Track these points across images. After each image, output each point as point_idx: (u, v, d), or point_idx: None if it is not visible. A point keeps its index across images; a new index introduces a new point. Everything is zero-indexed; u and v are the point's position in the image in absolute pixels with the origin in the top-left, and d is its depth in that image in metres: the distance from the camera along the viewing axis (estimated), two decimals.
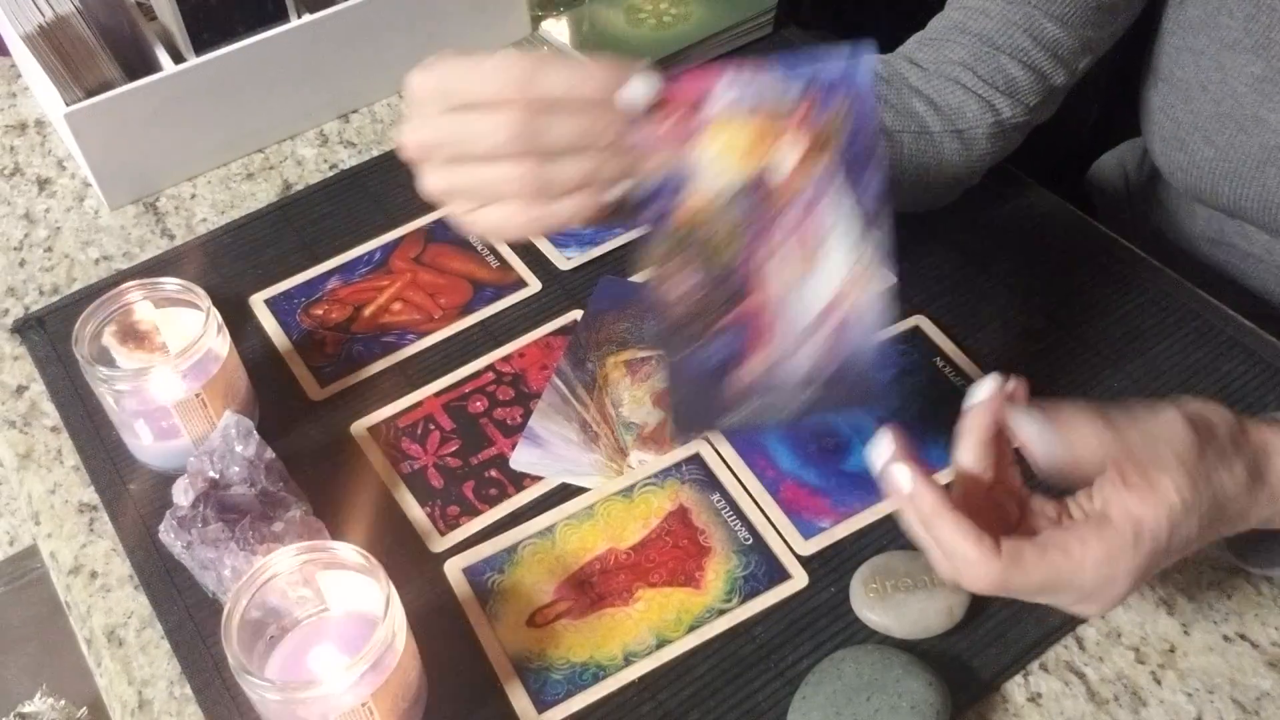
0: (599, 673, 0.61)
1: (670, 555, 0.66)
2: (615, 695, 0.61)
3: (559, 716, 0.60)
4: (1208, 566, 0.65)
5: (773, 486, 0.68)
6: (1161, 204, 0.93)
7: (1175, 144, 0.77)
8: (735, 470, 0.69)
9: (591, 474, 0.69)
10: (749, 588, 0.64)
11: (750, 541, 0.66)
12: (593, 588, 0.64)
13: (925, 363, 0.74)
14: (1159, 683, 0.61)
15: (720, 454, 0.70)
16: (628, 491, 0.68)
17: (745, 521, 0.67)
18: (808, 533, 0.66)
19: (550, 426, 0.72)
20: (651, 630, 0.63)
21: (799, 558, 0.65)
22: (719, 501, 0.68)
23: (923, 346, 0.75)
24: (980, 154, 0.76)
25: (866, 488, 0.68)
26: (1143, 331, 0.75)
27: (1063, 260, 0.79)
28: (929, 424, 0.69)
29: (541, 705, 0.60)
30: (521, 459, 0.70)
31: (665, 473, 0.69)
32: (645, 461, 0.70)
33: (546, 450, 0.71)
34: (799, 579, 0.64)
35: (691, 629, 0.63)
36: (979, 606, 0.62)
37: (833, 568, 0.64)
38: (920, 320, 0.76)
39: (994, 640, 0.62)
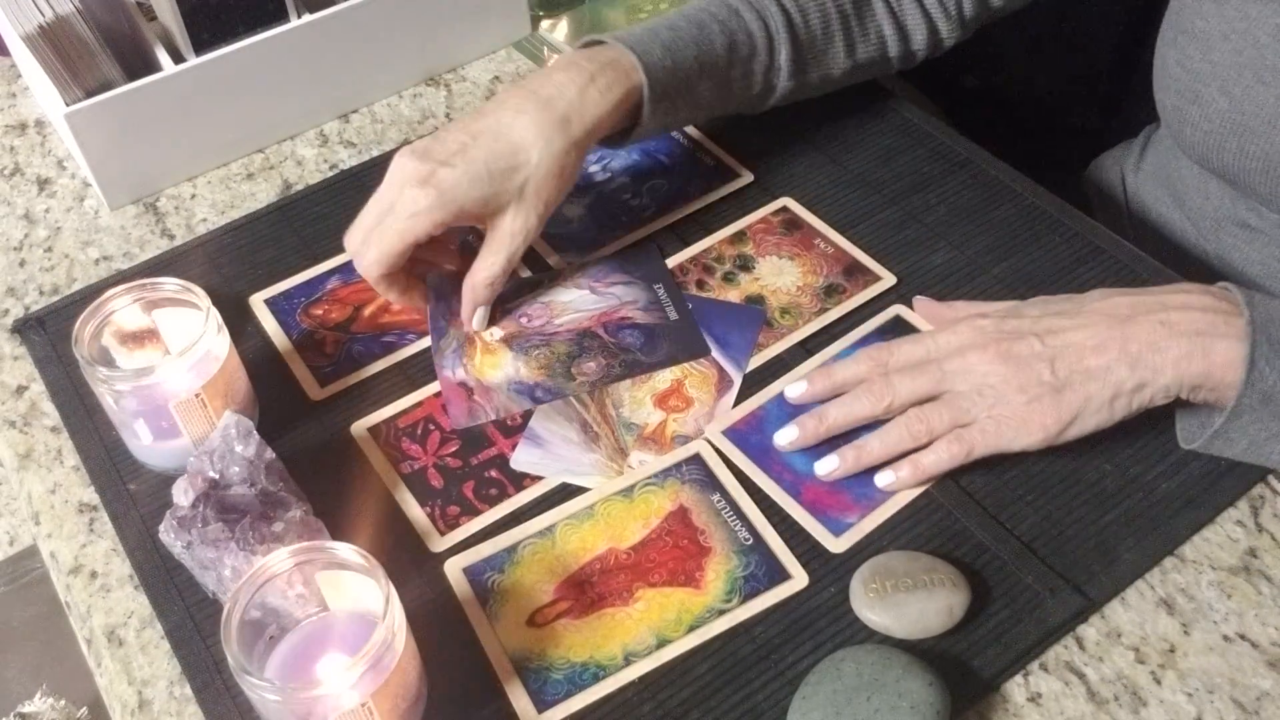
0: (599, 672, 0.61)
1: (670, 555, 0.66)
2: (615, 695, 0.61)
3: (559, 716, 0.60)
4: (1208, 566, 0.65)
5: (793, 490, 0.68)
6: (1162, 195, 0.93)
7: (1189, 97, 0.78)
8: (747, 473, 0.69)
9: (592, 474, 0.69)
10: (749, 588, 0.64)
11: (750, 541, 0.66)
12: (593, 587, 0.64)
13: None
14: (1159, 683, 0.61)
15: (721, 453, 0.70)
16: (628, 491, 0.68)
17: (745, 522, 0.67)
18: (837, 530, 0.66)
19: (551, 427, 0.72)
20: (651, 630, 0.63)
21: (800, 558, 0.65)
22: (719, 502, 0.68)
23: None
24: (909, 63, 0.88)
25: None
26: None
27: (1063, 260, 0.79)
28: None
29: (542, 705, 0.60)
30: (522, 459, 0.70)
31: (665, 473, 0.69)
32: (645, 462, 0.70)
33: (547, 450, 0.71)
34: (799, 579, 0.64)
35: (691, 629, 0.63)
36: (979, 607, 0.62)
37: (833, 568, 0.64)
38: (900, 309, 0.77)
39: (994, 640, 0.62)
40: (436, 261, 0.78)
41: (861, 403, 0.67)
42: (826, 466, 0.67)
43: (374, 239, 0.72)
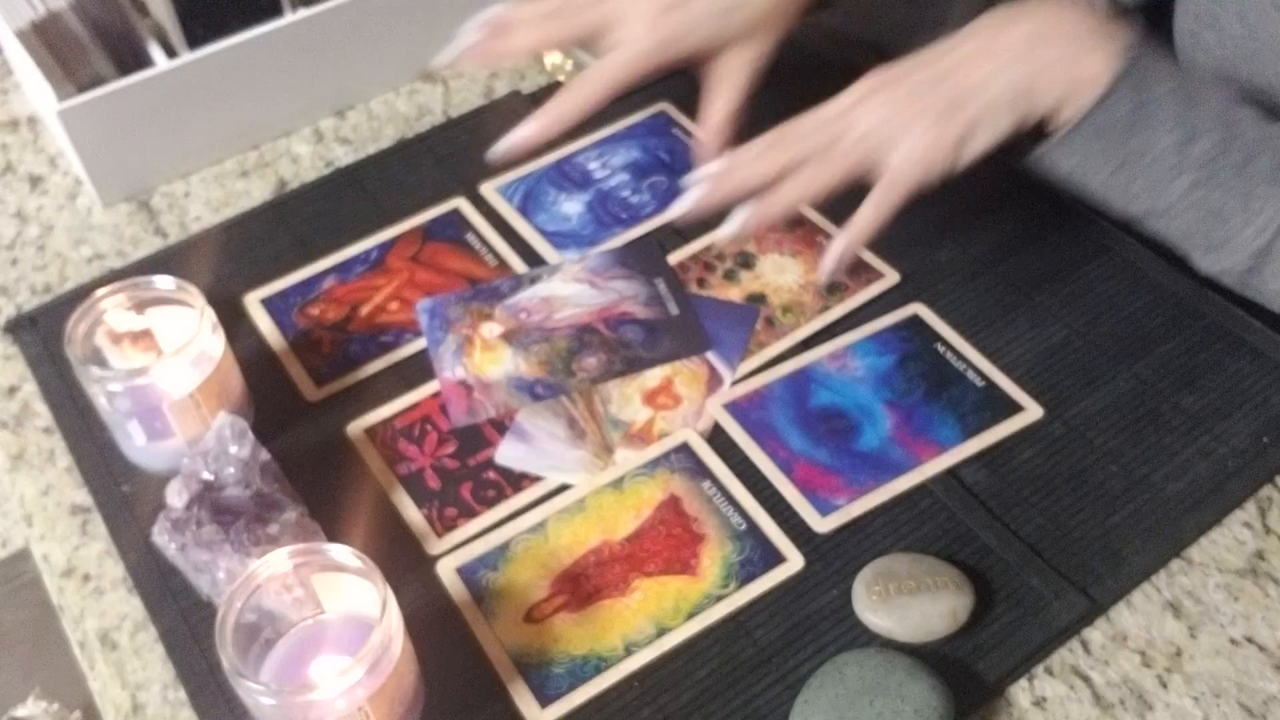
0: (600, 664, 0.61)
1: (665, 544, 0.65)
2: (616, 699, 0.60)
3: (563, 710, 0.59)
4: (1214, 569, 0.64)
5: (786, 466, 0.68)
6: None
7: (1208, 21, 0.79)
8: (742, 447, 0.69)
9: (576, 470, 0.69)
10: (745, 572, 0.64)
11: (744, 527, 0.65)
12: (589, 580, 0.64)
13: (926, 348, 0.74)
14: (1165, 686, 0.60)
15: (713, 435, 0.70)
16: (617, 483, 0.68)
17: (737, 507, 0.66)
18: (825, 510, 0.66)
19: (538, 423, 0.71)
20: (650, 619, 0.62)
21: (796, 541, 0.65)
22: (710, 489, 0.67)
23: (925, 333, 0.75)
24: None
25: (880, 467, 0.68)
26: (1149, 330, 0.74)
27: (1069, 258, 0.79)
28: (934, 404, 0.71)
29: (545, 699, 0.60)
30: (507, 454, 0.70)
31: (654, 463, 0.69)
32: (630, 460, 0.69)
33: (532, 446, 0.70)
34: (795, 561, 0.64)
35: (690, 616, 0.62)
36: (983, 610, 0.62)
37: (835, 569, 0.64)
38: (918, 308, 0.76)
39: (998, 644, 0.61)
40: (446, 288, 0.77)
41: (768, 158, 0.68)
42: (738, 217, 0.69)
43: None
